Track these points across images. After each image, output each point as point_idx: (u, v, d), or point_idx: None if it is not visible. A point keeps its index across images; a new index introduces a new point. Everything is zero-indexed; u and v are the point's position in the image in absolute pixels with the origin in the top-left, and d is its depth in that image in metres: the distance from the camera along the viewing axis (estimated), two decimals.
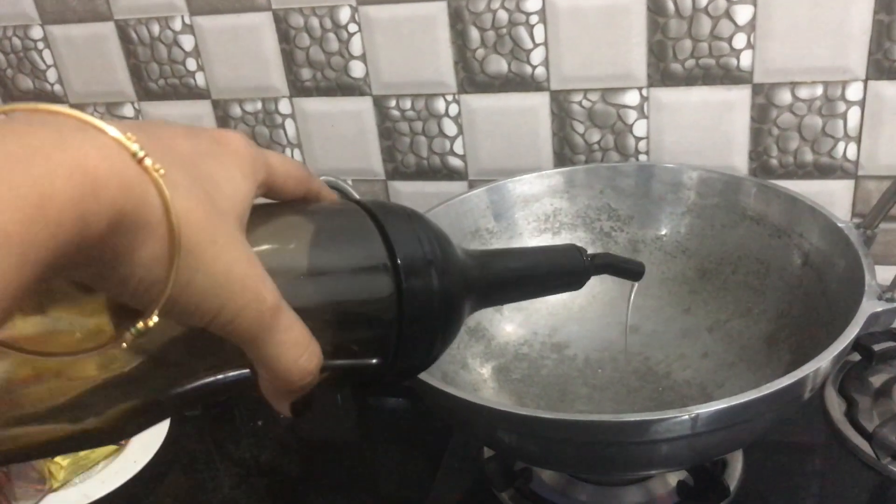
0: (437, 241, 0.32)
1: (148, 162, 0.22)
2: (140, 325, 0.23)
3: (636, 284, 0.48)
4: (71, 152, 0.20)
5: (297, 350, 0.27)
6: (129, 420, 0.26)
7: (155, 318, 0.23)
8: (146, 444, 0.64)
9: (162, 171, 0.22)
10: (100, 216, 0.20)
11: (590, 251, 0.64)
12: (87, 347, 0.23)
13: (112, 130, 0.21)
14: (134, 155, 0.21)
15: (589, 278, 0.40)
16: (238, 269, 0.24)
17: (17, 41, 0.80)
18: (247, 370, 0.28)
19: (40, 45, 0.79)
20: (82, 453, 0.62)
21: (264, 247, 0.27)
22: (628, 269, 0.43)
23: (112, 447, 0.64)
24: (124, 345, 0.23)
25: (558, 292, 0.41)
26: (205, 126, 0.35)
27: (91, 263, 0.21)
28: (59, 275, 0.21)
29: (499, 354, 0.61)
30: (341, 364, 0.29)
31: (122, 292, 0.23)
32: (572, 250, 0.40)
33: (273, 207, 0.30)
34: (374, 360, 0.31)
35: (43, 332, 0.24)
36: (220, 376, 0.28)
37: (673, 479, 0.54)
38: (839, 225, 0.53)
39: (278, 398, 0.28)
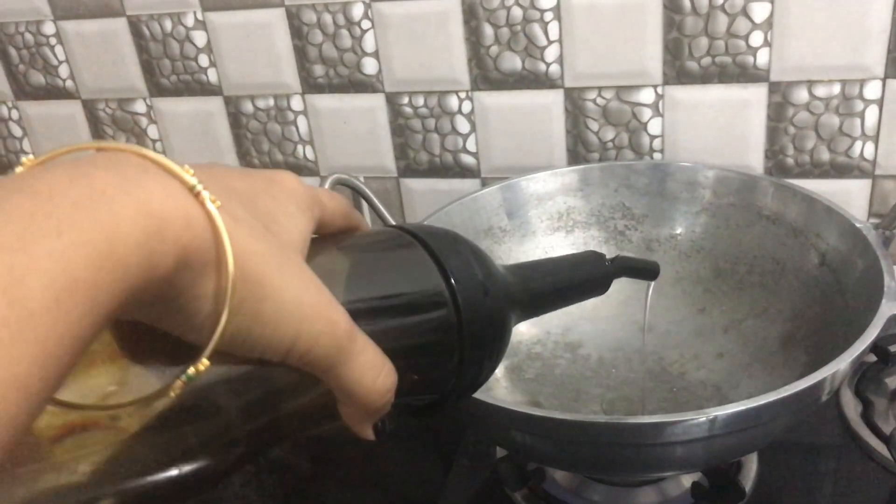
0: (482, 261, 0.33)
1: (205, 194, 0.22)
2: (192, 371, 0.22)
3: (652, 284, 0.48)
4: (136, 194, 0.20)
5: (374, 371, 0.27)
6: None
7: (206, 363, 0.22)
8: None
9: (218, 203, 0.22)
10: (166, 256, 0.20)
11: (604, 250, 0.65)
12: (132, 399, 0.22)
13: (172, 165, 0.22)
14: (192, 189, 0.22)
15: (611, 283, 0.41)
16: (307, 296, 0.24)
17: (29, 37, 0.80)
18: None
19: (52, 40, 0.79)
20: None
21: (325, 278, 0.27)
22: (645, 270, 0.44)
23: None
24: (173, 394, 0.22)
25: (586, 299, 0.41)
26: (237, 165, 0.35)
27: (157, 303, 0.21)
28: (125, 316, 0.21)
29: (511, 353, 0.60)
30: (409, 390, 0.29)
31: (187, 329, 0.22)
32: (596, 257, 0.41)
33: (324, 241, 0.30)
34: (438, 384, 0.31)
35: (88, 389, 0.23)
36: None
37: (687, 480, 0.53)
38: (857, 225, 0.53)
39: (361, 422, 0.28)
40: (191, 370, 0.22)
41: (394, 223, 0.63)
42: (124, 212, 0.19)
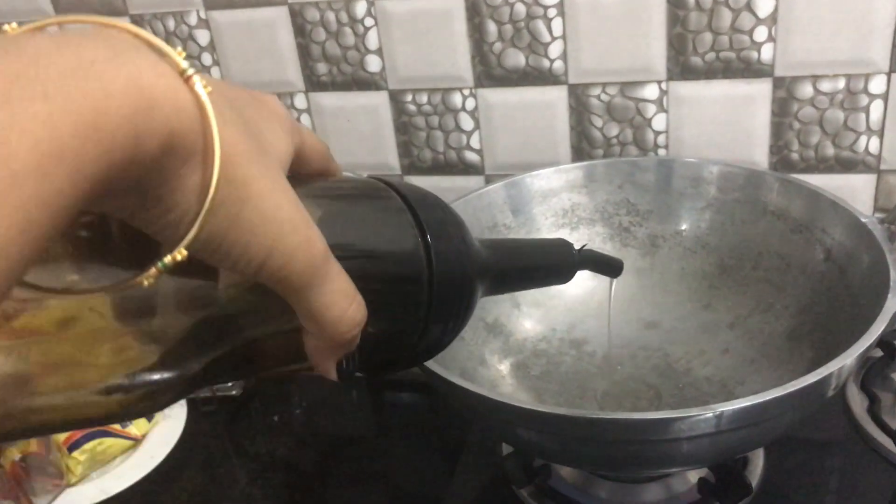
0: (459, 226, 0.33)
1: (196, 78, 0.21)
2: (168, 259, 0.21)
3: (615, 281, 0.49)
4: (126, 68, 0.19)
5: (346, 300, 0.26)
6: (156, 395, 0.26)
7: (184, 252, 0.21)
8: (163, 440, 0.64)
9: (209, 89, 0.21)
10: (152, 135, 0.19)
11: (608, 247, 0.65)
12: (104, 285, 0.22)
13: (165, 46, 0.21)
14: (182, 73, 0.21)
15: (576, 273, 0.42)
16: (288, 209, 0.24)
17: None
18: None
19: None
20: (99, 448, 0.62)
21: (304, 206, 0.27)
22: (608, 266, 0.45)
23: (128, 442, 0.64)
24: (147, 282, 0.21)
25: (550, 285, 0.42)
26: None
27: (137, 189, 0.20)
28: (104, 200, 0.20)
29: (517, 351, 0.60)
30: (377, 330, 0.29)
31: (162, 224, 0.21)
32: (565, 245, 0.41)
33: (300, 179, 0.30)
34: (401, 337, 0.31)
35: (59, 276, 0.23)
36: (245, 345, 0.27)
37: (694, 476, 0.53)
38: (862, 220, 0.53)
39: (325, 357, 0.27)
40: (167, 258, 0.21)
41: None
42: (114, 84, 0.19)
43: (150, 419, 0.66)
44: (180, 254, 0.21)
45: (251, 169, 0.22)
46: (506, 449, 0.58)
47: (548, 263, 0.41)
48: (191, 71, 0.21)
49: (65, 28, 0.20)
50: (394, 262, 0.30)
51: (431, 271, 0.30)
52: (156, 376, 0.25)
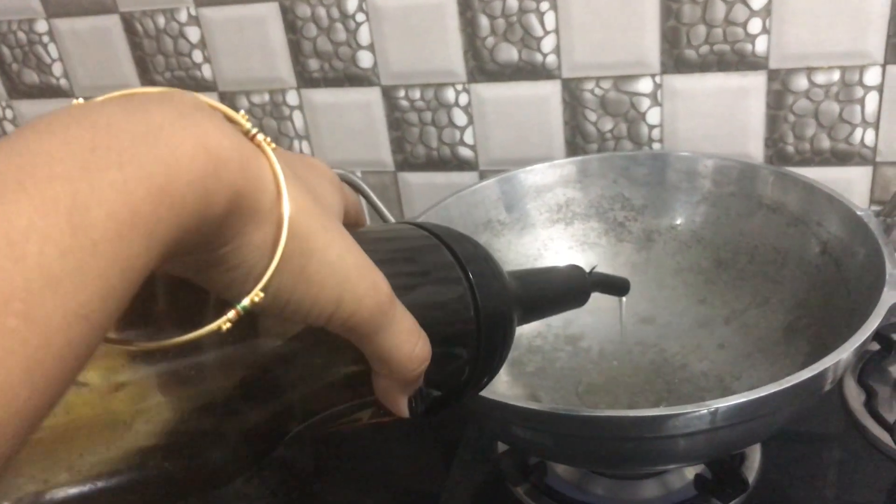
0: (493, 261, 0.34)
1: (261, 137, 0.22)
2: (246, 301, 0.21)
3: (624, 299, 0.50)
4: (192, 130, 0.20)
5: (413, 338, 0.26)
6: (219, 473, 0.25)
7: (261, 294, 0.21)
8: None
9: (273, 146, 0.22)
10: (220, 196, 0.20)
11: (603, 242, 0.65)
12: (185, 338, 0.22)
13: (227, 108, 0.22)
14: (247, 133, 0.22)
15: (590, 296, 0.43)
16: (351, 257, 0.24)
17: (21, 35, 0.79)
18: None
19: (45, 38, 0.79)
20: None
21: None
22: (617, 286, 0.47)
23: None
24: (228, 325, 0.21)
25: (568, 310, 0.43)
26: None
27: (203, 248, 0.21)
28: (171, 261, 0.20)
29: (512, 347, 0.60)
30: (430, 370, 0.29)
31: (227, 282, 0.22)
32: (579, 270, 0.43)
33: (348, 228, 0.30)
34: (452, 376, 0.32)
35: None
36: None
37: (690, 472, 0.53)
38: (858, 213, 0.52)
39: (396, 396, 0.28)
40: (245, 301, 0.21)
41: (391, 218, 0.63)
42: (182, 147, 0.19)
43: None
44: (258, 296, 0.22)
45: (313, 222, 0.23)
46: (501, 447, 0.57)
47: (567, 290, 0.42)
48: (255, 130, 0.22)
49: (127, 96, 0.21)
50: (444, 303, 0.30)
51: (478, 311, 0.31)
52: (214, 454, 0.24)
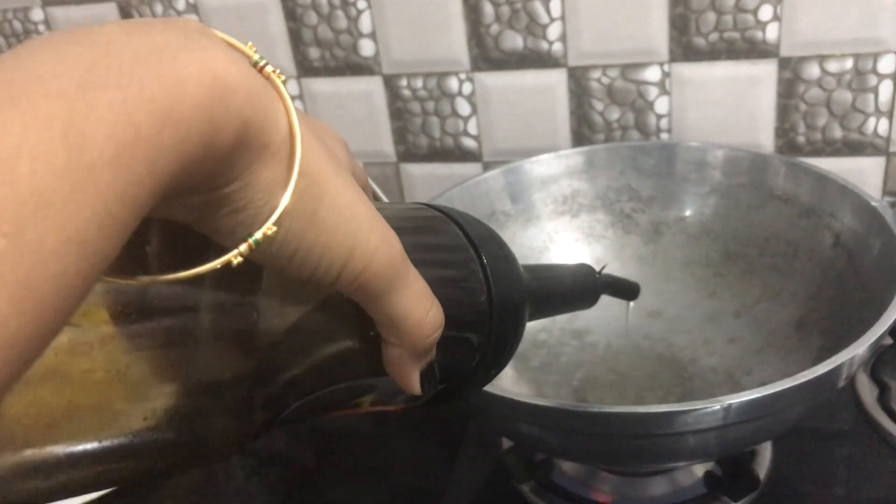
0: (507, 248, 0.33)
1: (269, 68, 0.21)
2: (259, 235, 0.20)
3: (632, 304, 0.49)
4: (199, 53, 0.18)
5: (426, 301, 0.25)
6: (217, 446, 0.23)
7: (274, 228, 0.20)
8: None
9: (283, 79, 0.21)
10: (228, 125, 0.19)
11: (610, 234, 0.63)
12: (196, 270, 0.20)
13: (233, 40, 0.20)
14: (255, 64, 0.20)
15: (599, 298, 0.42)
16: (363, 207, 0.22)
17: (17, 24, 0.78)
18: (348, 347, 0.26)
19: (41, 27, 0.78)
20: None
21: None
22: (626, 289, 0.46)
23: None
24: (237, 261, 0.20)
25: (576, 310, 0.42)
26: None
27: (210, 185, 0.20)
28: (173, 200, 0.19)
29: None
30: (439, 356, 0.28)
31: (232, 225, 0.20)
32: (589, 270, 0.42)
33: None
34: (461, 362, 0.30)
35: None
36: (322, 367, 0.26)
37: (700, 469, 0.52)
38: (872, 204, 0.51)
39: (408, 368, 0.26)
40: (258, 234, 0.20)
41: None
42: (187, 70, 0.18)
43: None
44: (270, 229, 0.20)
45: (324, 165, 0.21)
46: (506, 443, 0.56)
47: (576, 290, 0.41)
48: (263, 61, 0.21)
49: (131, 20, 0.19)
50: (455, 283, 0.29)
51: (490, 294, 0.30)
52: (212, 424, 0.23)
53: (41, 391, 0.20)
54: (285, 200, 0.20)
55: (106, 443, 0.21)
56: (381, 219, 0.23)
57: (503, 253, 0.32)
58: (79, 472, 0.20)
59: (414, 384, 0.26)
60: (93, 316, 0.21)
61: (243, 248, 0.20)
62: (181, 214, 0.20)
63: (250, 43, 0.21)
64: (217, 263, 0.20)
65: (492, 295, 0.30)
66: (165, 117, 0.17)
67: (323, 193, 0.21)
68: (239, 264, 0.20)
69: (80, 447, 0.20)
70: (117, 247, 0.17)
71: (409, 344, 0.25)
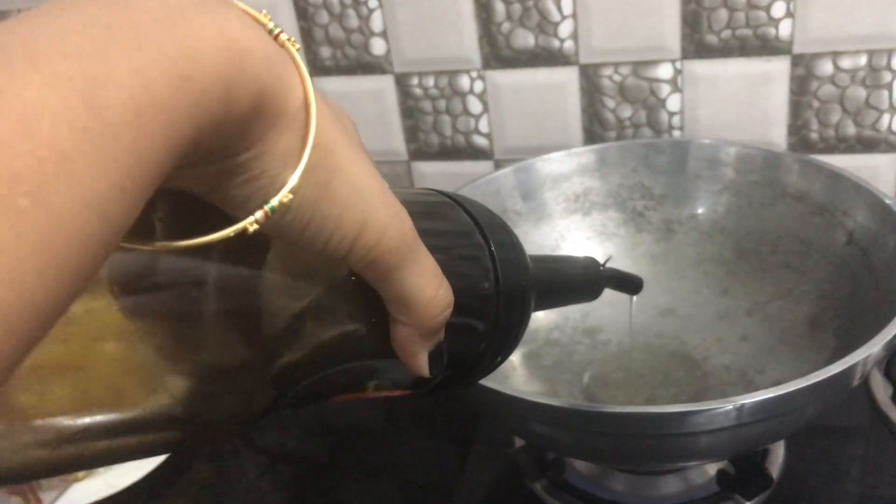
0: (515, 237, 0.33)
1: (284, 36, 0.20)
2: (275, 202, 0.20)
3: (635, 298, 0.49)
4: (215, 17, 0.18)
5: (436, 279, 0.25)
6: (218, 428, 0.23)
7: (290, 196, 0.20)
8: None
9: (298, 47, 0.21)
10: (244, 91, 0.18)
11: (622, 232, 0.63)
12: (212, 237, 0.20)
13: (247, 8, 0.20)
14: (270, 32, 0.20)
15: (602, 291, 0.42)
16: (375, 180, 0.22)
17: None
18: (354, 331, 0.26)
19: None
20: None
21: None
22: (630, 283, 0.46)
23: None
24: (252, 228, 0.20)
25: (580, 302, 0.42)
26: None
27: (225, 153, 0.19)
28: (187, 170, 0.19)
29: (529, 340, 0.59)
30: (450, 336, 0.27)
31: (246, 195, 0.20)
32: (593, 262, 0.42)
33: None
34: (468, 348, 0.30)
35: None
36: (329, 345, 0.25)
37: (712, 468, 0.52)
38: (887, 202, 0.51)
39: (417, 348, 0.26)
40: (274, 200, 0.20)
41: None
42: (205, 32, 0.18)
43: None
44: (286, 197, 0.20)
45: (339, 137, 0.21)
46: (518, 441, 0.56)
47: (581, 281, 0.41)
48: (278, 29, 0.20)
49: None
50: (462, 268, 0.29)
51: (498, 280, 0.30)
52: (215, 407, 0.23)
53: (49, 363, 0.20)
54: (301, 169, 0.20)
55: (113, 416, 0.20)
56: (392, 195, 0.23)
57: (511, 240, 0.32)
58: (85, 446, 0.20)
59: (422, 365, 0.26)
60: (100, 289, 0.20)
61: (259, 215, 0.20)
62: (195, 184, 0.20)
63: (265, 11, 0.20)
64: (232, 231, 0.20)
65: (499, 281, 0.30)
66: (183, 80, 0.17)
67: (337, 165, 0.21)
68: (248, 238, 0.20)
69: (88, 420, 0.20)
70: (135, 213, 0.16)
71: (418, 322, 0.25)
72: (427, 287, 0.24)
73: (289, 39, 0.21)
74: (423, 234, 0.25)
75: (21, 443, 0.19)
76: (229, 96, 0.18)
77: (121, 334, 0.21)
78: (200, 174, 0.20)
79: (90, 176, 0.15)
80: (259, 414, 0.24)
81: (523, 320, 0.33)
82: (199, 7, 0.18)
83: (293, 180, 0.20)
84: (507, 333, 0.31)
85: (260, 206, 0.20)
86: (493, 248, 0.30)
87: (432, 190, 0.32)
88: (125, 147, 0.15)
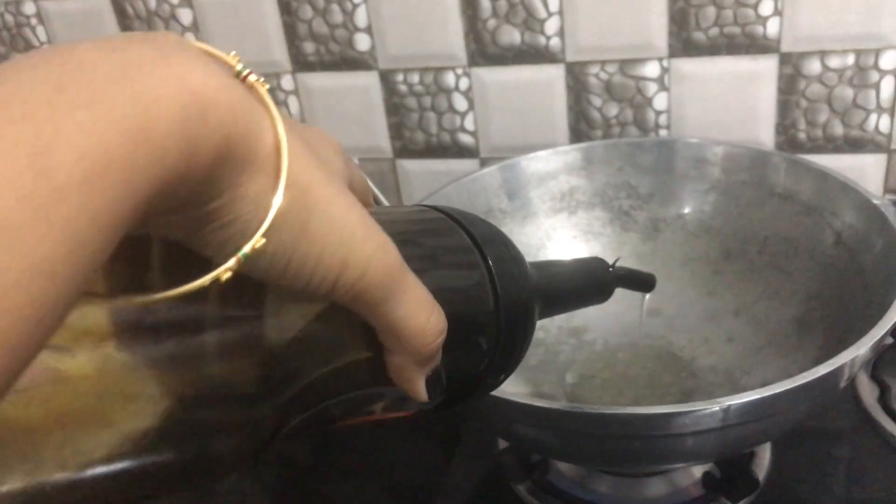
0: (514, 248, 0.32)
1: (253, 77, 0.20)
2: (247, 248, 0.20)
3: (648, 296, 0.48)
4: (175, 68, 0.18)
5: (427, 307, 0.24)
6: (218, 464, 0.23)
7: (263, 241, 0.20)
8: None
9: (267, 87, 0.20)
10: (207, 142, 0.18)
11: (608, 231, 0.63)
12: (180, 290, 0.20)
13: (216, 50, 0.20)
14: (238, 74, 0.20)
15: (613, 292, 0.41)
16: (356, 215, 0.22)
17: (9, 17, 0.77)
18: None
19: (34, 20, 0.77)
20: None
21: None
22: (642, 281, 0.45)
23: None
24: (226, 277, 0.19)
25: (590, 305, 0.41)
26: None
27: (192, 203, 0.19)
28: (156, 218, 0.19)
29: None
30: (445, 362, 0.27)
31: (221, 240, 0.20)
32: (601, 263, 0.41)
33: None
34: (469, 367, 0.30)
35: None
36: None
37: (698, 470, 0.51)
38: (874, 202, 0.50)
39: (412, 376, 0.26)
40: (246, 247, 0.19)
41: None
42: (162, 86, 0.17)
43: None
44: (259, 242, 0.20)
45: (314, 174, 0.21)
46: (502, 443, 0.56)
47: (589, 283, 0.40)
48: (246, 70, 0.20)
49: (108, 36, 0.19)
50: (460, 288, 0.29)
51: (497, 298, 0.29)
52: (215, 442, 0.22)
53: (40, 410, 0.19)
54: (272, 213, 0.20)
55: (110, 463, 0.20)
56: (376, 226, 0.23)
57: (510, 254, 0.31)
58: (77, 493, 0.20)
59: (420, 392, 0.26)
60: (94, 335, 0.20)
61: (232, 262, 0.20)
62: (170, 231, 0.20)
63: (234, 52, 0.20)
64: (206, 280, 0.20)
65: (498, 298, 0.29)
66: (139, 137, 0.17)
67: (314, 203, 0.21)
68: (241, 277, 0.20)
69: (83, 465, 0.20)
70: (90, 269, 0.16)
71: (411, 351, 0.25)
72: (417, 316, 0.24)
73: (258, 80, 0.20)
74: (418, 254, 0.24)
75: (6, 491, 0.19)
76: (192, 149, 0.18)
77: (115, 380, 0.21)
78: (174, 221, 0.20)
79: (37, 240, 0.15)
80: (262, 447, 0.24)
81: (527, 335, 0.32)
82: (158, 60, 0.18)
83: (264, 226, 0.20)
84: (510, 350, 0.31)
85: (234, 253, 0.20)
86: (490, 264, 0.29)
87: (426, 206, 0.31)
88: (75, 208, 0.15)
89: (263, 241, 0.20)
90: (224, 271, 0.20)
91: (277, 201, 0.20)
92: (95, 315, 0.20)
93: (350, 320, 0.24)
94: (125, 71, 0.17)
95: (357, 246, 0.22)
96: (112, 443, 0.20)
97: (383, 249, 0.23)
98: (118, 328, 0.21)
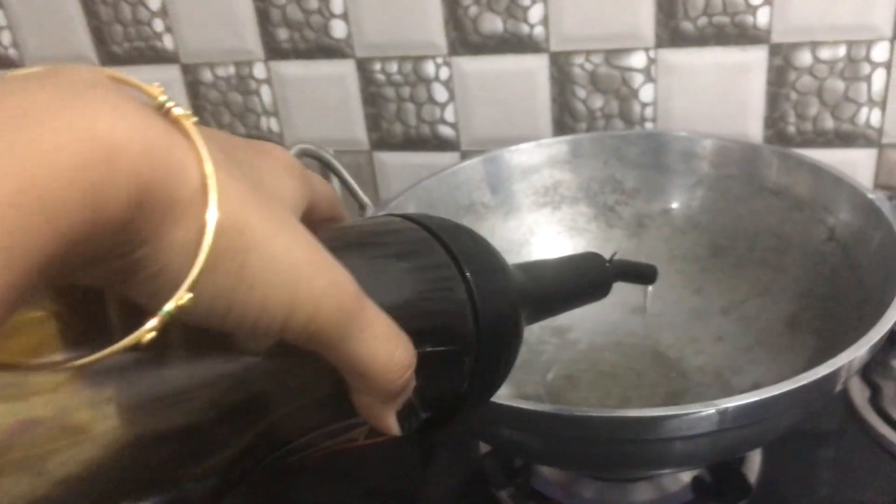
0: (494, 255, 0.30)
1: (177, 111, 0.18)
2: (170, 306, 0.18)
3: (650, 288, 0.46)
4: (77, 112, 0.16)
5: (390, 342, 0.23)
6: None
7: (186, 296, 0.18)
8: None
9: (194, 120, 0.19)
10: (117, 191, 0.16)
11: (592, 227, 0.61)
12: (93, 357, 0.18)
13: (134, 80, 0.18)
14: (161, 106, 0.18)
15: (611, 287, 0.39)
16: (302, 251, 0.20)
17: None
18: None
19: None
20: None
21: None
22: (643, 274, 0.43)
23: None
24: (147, 337, 0.18)
25: (587, 304, 0.39)
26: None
27: (115, 254, 0.17)
28: (66, 276, 0.17)
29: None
30: (422, 385, 0.25)
31: (151, 291, 0.18)
32: (597, 259, 0.39)
33: (312, 227, 0.26)
34: (449, 389, 0.28)
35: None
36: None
37: (688, 474, 0.50)
38: (869, 196, 0.49)
39: (381, 412, 0.24)
40: (169, 305, 0.18)
41: (366, 199, 0.59)
42: (61, 135, 0.16)
43: None
44: (183, 298, 0.18)
45: (251, 213, 0.19)
46: (484, 447, 0.54)
47: (584, 282, 0.38)
48: (171, 104, 0.18)
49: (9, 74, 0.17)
50: (434, 308, 0.27)
51: (477, 317, 0.27)
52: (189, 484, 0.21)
53: (11, 477, 0.18)
54: (199, 263, 0.18)
55: None
56: (327, 261, 0.21)
57: (490, 264, 0.29)
58: None
59: (391, 427, 0.24)
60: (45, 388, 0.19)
61: (154, 322, 0.18)
62: (98, 283, 0.18)
63: (157, 83, 0.19)
64: (127, 343, 0.18)
65: (478, 315, 0.27)
66: (33, 193, 0.15)
67: (252, 244, 0.19)
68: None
69: None
70: None
71: (376, 389, 0.23)
72: (379, 353, 0.22)
73: (184, 115, 0.19)
74: (383, 279, 0.23)
75: None
76: (98, 200, 0.16)
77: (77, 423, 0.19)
78: (97, 274, 0.18)
79: None
80: (236, 482, 0.23)
81: (511, 350, 0.30)
82: (60, 103, 0.16)
83: (188, 280, 0.18)
84: (493, 368, 0.29)
85: (155, 311, 0.18)
86: (468, 277, 0.27)
87: (398, 216, 0.29)
88: None
89: (189, 296, 0.18)
90: (145, 332, 0.18)
91: (205, 249, 0.18)
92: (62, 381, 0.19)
93: (313, 356, 0.22)
94: (19, 118, 0.15)
95: (304, 286, 0.20)
96: (73, 490, 0.19)
97: (335, 284, 0.21)
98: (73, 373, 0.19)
